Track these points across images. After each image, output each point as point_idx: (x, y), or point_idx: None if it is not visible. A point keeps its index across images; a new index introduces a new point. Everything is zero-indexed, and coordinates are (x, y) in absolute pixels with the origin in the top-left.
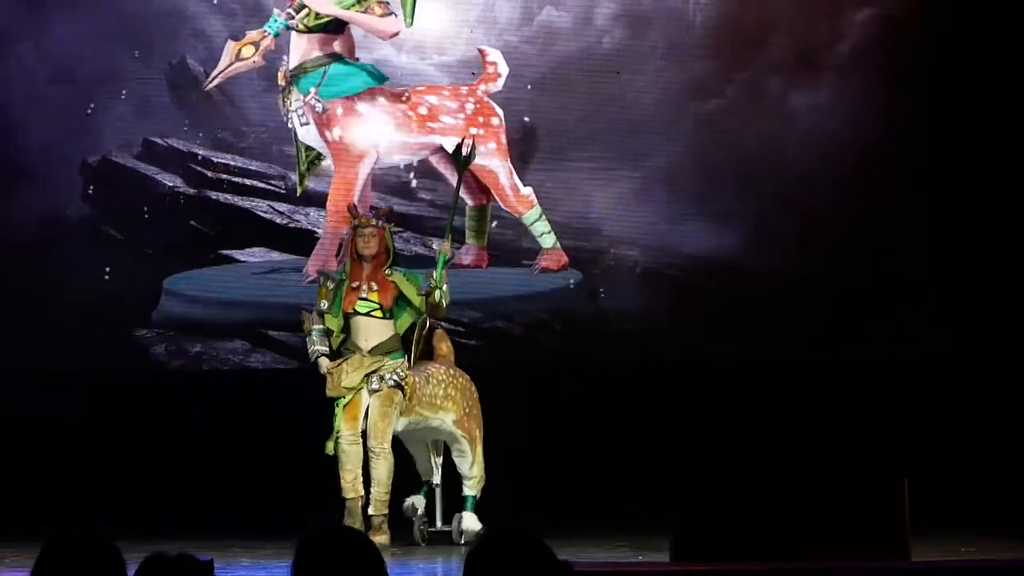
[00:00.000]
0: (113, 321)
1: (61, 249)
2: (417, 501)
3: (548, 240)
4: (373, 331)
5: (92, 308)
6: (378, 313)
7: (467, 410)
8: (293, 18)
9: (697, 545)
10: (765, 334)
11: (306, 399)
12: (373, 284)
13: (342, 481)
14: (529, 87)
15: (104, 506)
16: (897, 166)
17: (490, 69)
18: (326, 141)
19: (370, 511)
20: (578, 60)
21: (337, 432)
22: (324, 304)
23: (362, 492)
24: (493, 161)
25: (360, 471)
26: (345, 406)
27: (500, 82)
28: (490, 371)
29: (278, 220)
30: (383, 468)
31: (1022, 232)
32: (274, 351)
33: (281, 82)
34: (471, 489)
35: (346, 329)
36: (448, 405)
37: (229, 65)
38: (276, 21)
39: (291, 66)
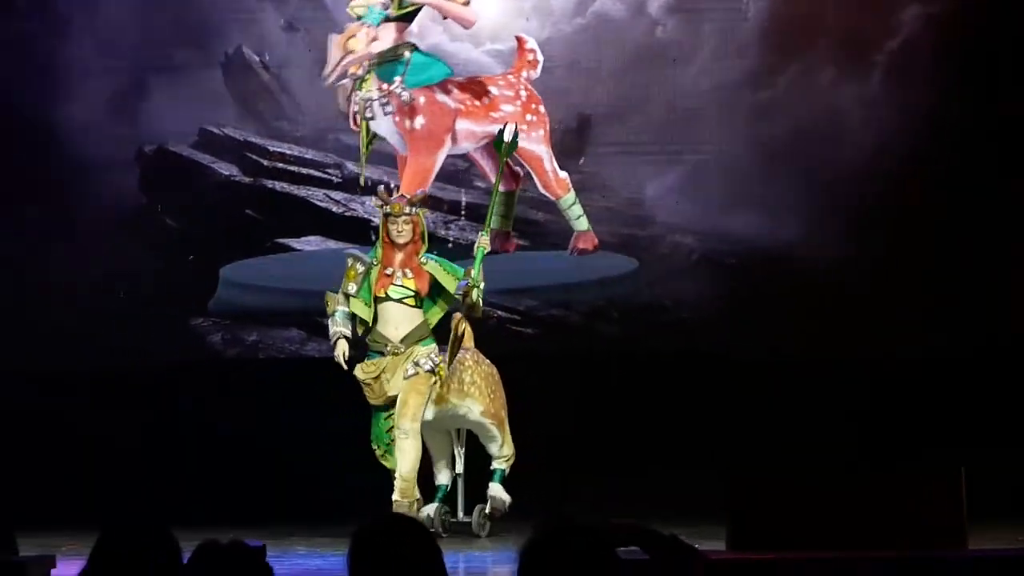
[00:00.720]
0: (169, 310)
1: (117, 238)
2: (431, 510)
3: (583, 223)
4: (403, 319)
5: (148, 297)
6: (411, 301)
7: (491, 396)
8: (388, 7)
9: (753, 535)
10: (816, 326)
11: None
12: (407, 271)
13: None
14: (583, 76)
15: (159, 494)
16: (910, 165)
17: (529, 56)
18: (404, 130)
19: (395, 496)
20: (632, 49)
21: (389, 441)
22: (352, 287)
23: (418, 495)
24: (540, 147)
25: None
26: (389, 416)
27: (539, 69)
28: (547, 359)
29: (334, 209)
30: (411, 451)
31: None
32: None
33: (355, 71)
34: (500, 464)
35: (372, 317)
36: (474, 393)
37: (342, 59)
38: (374, 12)
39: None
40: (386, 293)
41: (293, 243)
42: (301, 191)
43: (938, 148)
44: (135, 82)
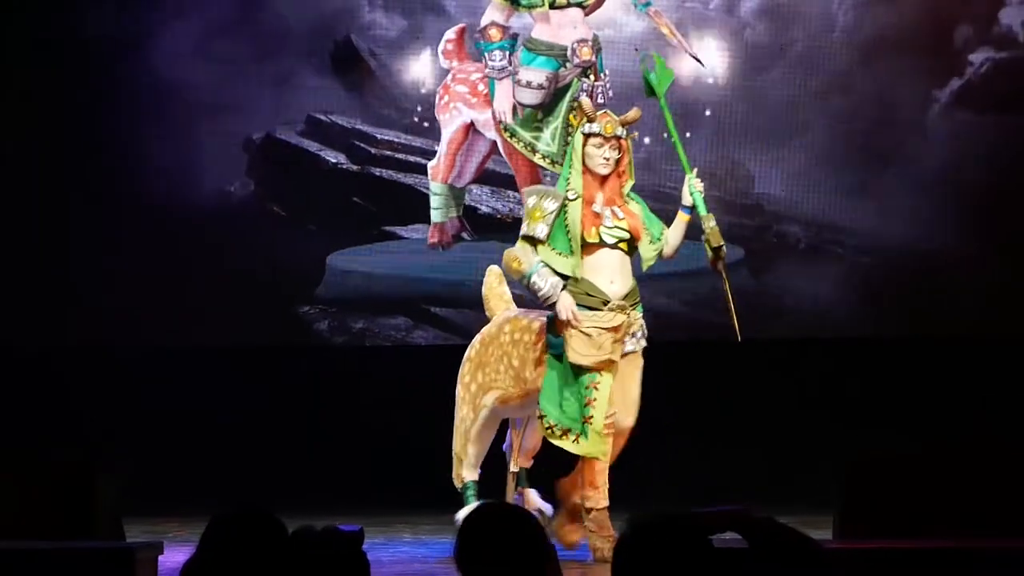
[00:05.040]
0: (277, 297)
1: (225, 226)
2: None
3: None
4: (619, 269)
5: (256, 284)
6: (624, 246)
7: None
8: None
9: (863, 522)
10: (925, 311)
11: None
12: (616, 209)
13: (595, 488)
14: (695, 67)
15: (266, 480)
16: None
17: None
18: None
19: (593, 506)
20: (738, 38)
21: (585, 419)
22: (541, 229)
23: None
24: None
25: None
26: (603, 384)
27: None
28: (651, 348)
29: None
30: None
31: None
32: (437, 327)
33: (588, 56)
34: (527, 462)
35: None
36: None
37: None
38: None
39: (589, 39)
40: (600, 236)
41: (400, 231)
42: (408, 179)
43: None
44: (242, 69)
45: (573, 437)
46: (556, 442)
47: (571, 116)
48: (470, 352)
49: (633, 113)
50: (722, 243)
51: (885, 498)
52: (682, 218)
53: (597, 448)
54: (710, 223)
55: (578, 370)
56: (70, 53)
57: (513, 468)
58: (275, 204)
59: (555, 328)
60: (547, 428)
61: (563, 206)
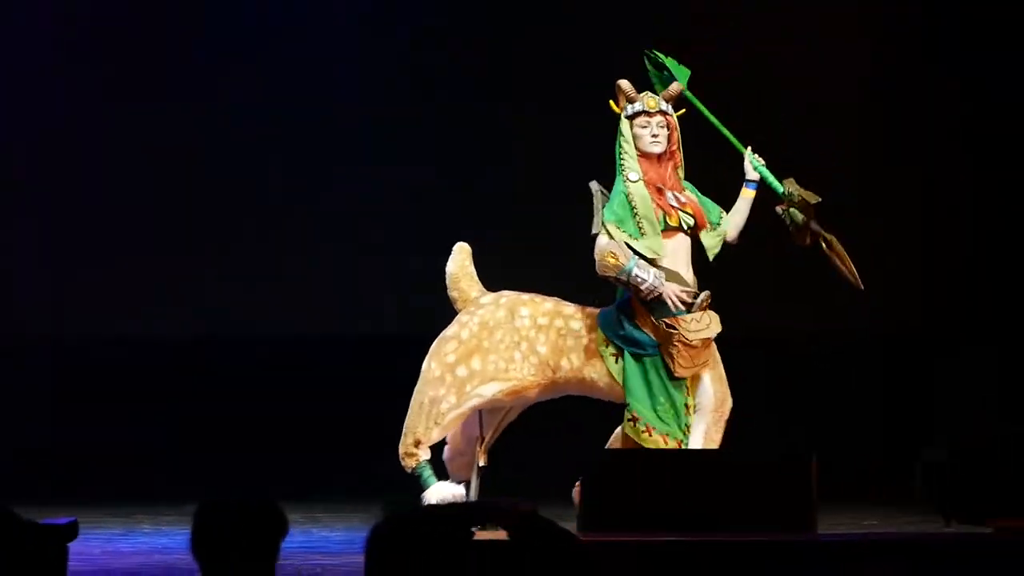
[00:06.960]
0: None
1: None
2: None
3: None
4: (688, 257)
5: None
6: (691, 232)
7: None
8: None
9: (602, 518)
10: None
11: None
12: (678, 195)
13: None
14: None
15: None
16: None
17: None
18: None
19: None
20: None
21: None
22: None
23: None
24: None
25: None
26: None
27: None
28: None
29: None
30: None
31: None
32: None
33: None
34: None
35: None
36: None
37: None
38: None
39: None
40: (680, 221)
41: None
42: None
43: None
44: None
45: (675, 443)
46: (642, 442)
47: (611, 102)
48: (459, 332)
49: (675, 87)
50: (819, 199)
51: (622, 494)
52: (746, 195)
53: None
54: (792, 185)
55: (678, 380)
56: None
57: (481, 463)
58: None
59: (644, 327)
60: (642, 431)
61: (627, 191)
